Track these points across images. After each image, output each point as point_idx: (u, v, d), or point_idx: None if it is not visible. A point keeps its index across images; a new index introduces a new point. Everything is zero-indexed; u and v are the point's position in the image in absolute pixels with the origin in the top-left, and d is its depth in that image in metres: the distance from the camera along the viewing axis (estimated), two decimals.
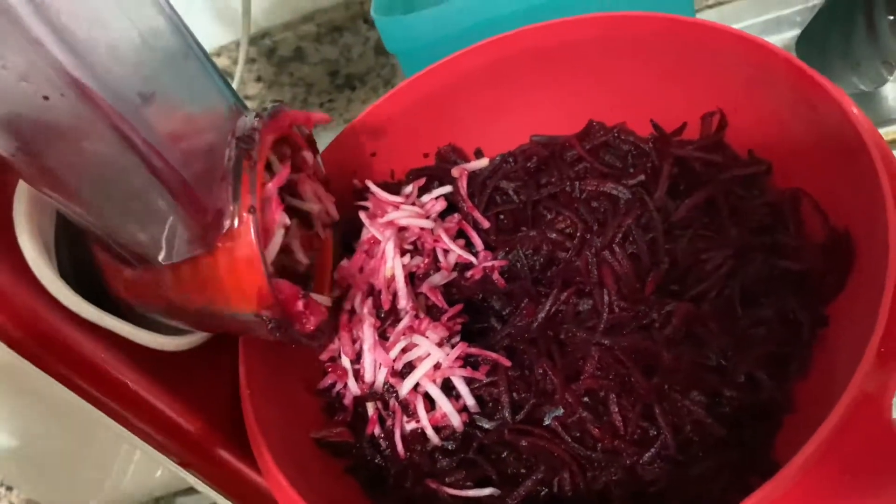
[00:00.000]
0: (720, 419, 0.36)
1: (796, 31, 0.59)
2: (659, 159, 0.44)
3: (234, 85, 0.64)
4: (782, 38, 0.60)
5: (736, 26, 0.62)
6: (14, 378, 0.36)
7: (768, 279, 0.38)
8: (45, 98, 0.26)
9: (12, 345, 0.33)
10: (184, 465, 0.38)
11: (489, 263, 0.43)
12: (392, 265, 0.40)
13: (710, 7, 0.63)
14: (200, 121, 0.33)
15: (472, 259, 0.44)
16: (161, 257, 0.33)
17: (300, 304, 0.34)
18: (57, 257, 0.35)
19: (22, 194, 0.34)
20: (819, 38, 0.53)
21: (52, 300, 0.34)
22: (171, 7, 0.32)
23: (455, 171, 0.47)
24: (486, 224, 0.46)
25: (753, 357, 0.37)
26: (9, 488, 0.60)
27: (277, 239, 0.35)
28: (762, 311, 0.38)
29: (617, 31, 0.44)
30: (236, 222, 0.32)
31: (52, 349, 0.34)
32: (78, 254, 0.36)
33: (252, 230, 0.31)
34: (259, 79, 0.70)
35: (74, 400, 0.35)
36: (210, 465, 0.38)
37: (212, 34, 0.66)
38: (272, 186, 0.34)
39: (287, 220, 0.35)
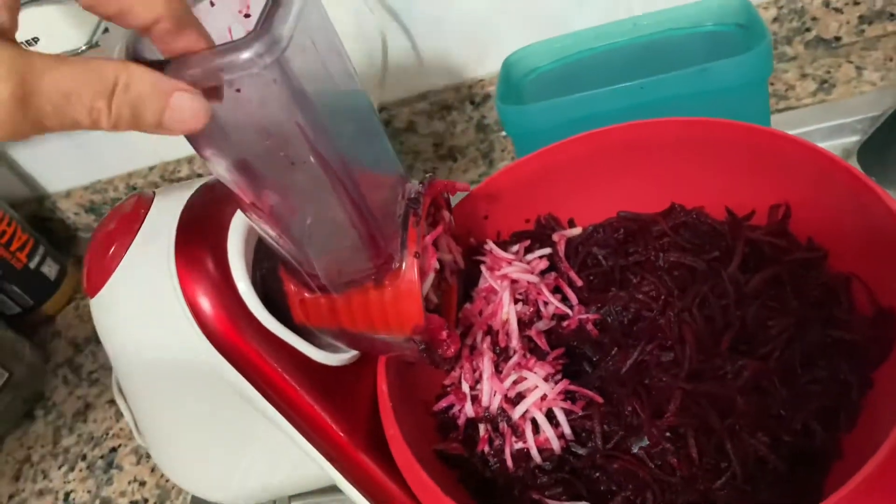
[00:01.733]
0: (782, 459, 0.43)
1: (857, 138, 0.67)
2: (732, 239, 0.52)
3: None
4: (843, 143, 0.69)
5: (801, 130, 0.71)
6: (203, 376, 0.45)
7: (823, 345, 0.46)
8: (292, 164, 0.36)
9: (217, 347, 0.43)
10: (330, 460, 0.46)
11: (585, 316, 0.51)
12: (507, 310, 0.49)
13: (778, 111, 0.72)
14: (382, 183, 0.42)
15: (568, 311, 0.52)
16: (341, 287, 0.42)
17: (444, 334, 0.43)
18: (252, 278, 0.45)
19: (236, 228, 0.44)
20: (880, 148, 0.62)
21: (249, 316, 0.43)
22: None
23: (555, 237, 0.56)
24: (579, 283, 0.54)
25: (809, 409, 0.44)
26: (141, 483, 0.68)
27: (429, 280, 0.44)
28: (818, 372, 0.45)
29: (700, 133, 0.53)
30: (404, 265, 0.41)
31: (243, 353, 0.43)
32: (268, 277, 0.45)
33: (415, 271, 0.40)
34: None
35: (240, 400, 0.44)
36: (350, 464, 0.46)
37: None
38: (429, 239, 0.43)
39: (437, 266, 0.44)
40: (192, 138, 0.34)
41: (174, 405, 0.47)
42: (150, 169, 0.93)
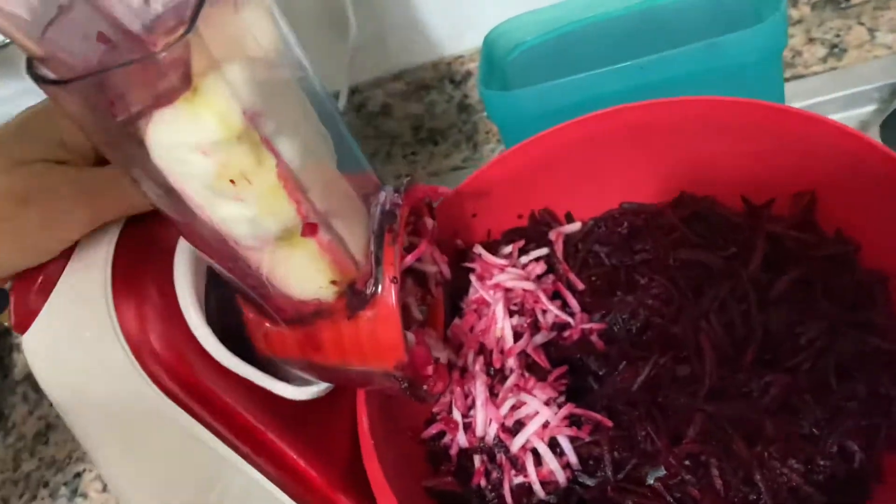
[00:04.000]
0: (817, 487, 0.38)
1: (873, 107, 0.62)
2: (751, 233, 0.46)
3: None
4: (859, 114, 0.63)
5: (812, 101, 0.65)
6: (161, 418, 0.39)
7: (860, 355, 0.41)
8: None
9: (165, 391, 0.37)
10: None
11: (588, 326, 0.46)
12: (501, 325, 0.43)
13: (787, 80, 0.66)
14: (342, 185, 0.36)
15: (570, 320, 0.46)
16: (308, 318, 0.36)
17: (430, 369, 0.37)
18: (206, 308, 0.39)
19: (182, 250, 0.37)
20: None
21: (201, 352, 0.37)
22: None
23: (552, 234, 0.50)
24: (580, 286, 0.49)
25: (845, 428, 0.39)
26: None
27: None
28: (855, 385, 0.40)
29: (709, 114, 0.47)
30: (380, 289, 0.35)
31: (197, 395, 0.37)
32: (224, 305, 0.39)
33: (394, 298, 0.34)
34: None
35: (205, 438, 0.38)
36: None
37: None
38: (409, 259, 0.37)
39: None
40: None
41: (128, 453, 0.41)
42: None
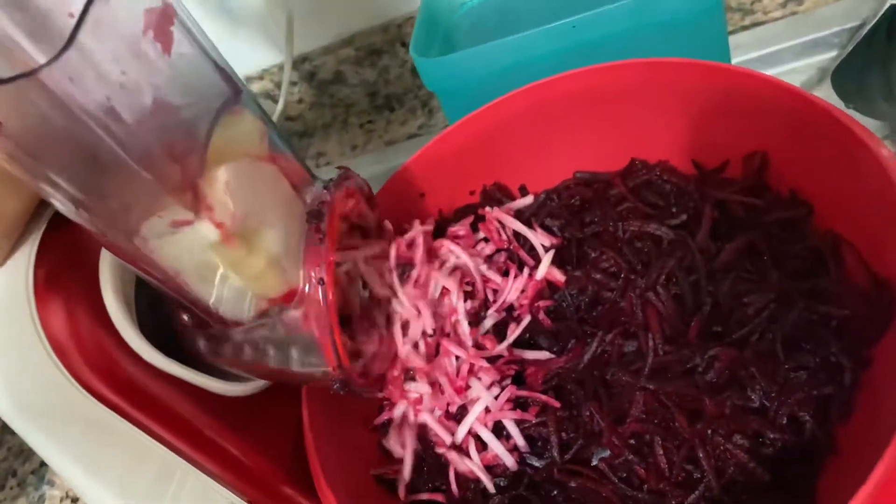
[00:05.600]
0: (764, 462, 0.37)
1: (833, 53, 0.59)
2: (700, 200, 0.45)
3: (279, 107, 0.66)
4: (819, 61, 0.60)
5: (771, 49, 0.62)
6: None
7: (809, 324, 0.40)
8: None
9: (97, 397, 0.36)
10: (252, 499, 0.40)
11: (537, 304, 0.45)
12: (461, 318, 0.42)
13: (745, 28, 0.64)
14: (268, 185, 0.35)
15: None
16: (237, 320, 0.35)
17: (361, 382, 0.36)
18: (137, 310, 0.38)
19: (106, 262, 0.36)
20: (859, 69, 0.54)
21: (131, 353, 0.36)
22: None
23: (498, 212, 0.49)
24: (531, 262, 0.48)
25: (795, 400, 0.38)
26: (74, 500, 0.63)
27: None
28: (803, 356, 0.39)
29: (656, 77, 0.45)
30: (307, 289, 0.34)
31: (131, 399, 0.37)
32: (157, 305, 0.38)
33: (321, 301, 0.33)
34: (300, 101, 0.71)
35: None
36: (275, 501, 0.41)
37: (255, 59, 0.68)
38: (331, 258, 0.36)
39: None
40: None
41: (69, 454, 0.41)
42: None
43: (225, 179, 0.31)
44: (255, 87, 0.70)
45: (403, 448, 0.41)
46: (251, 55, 0.67)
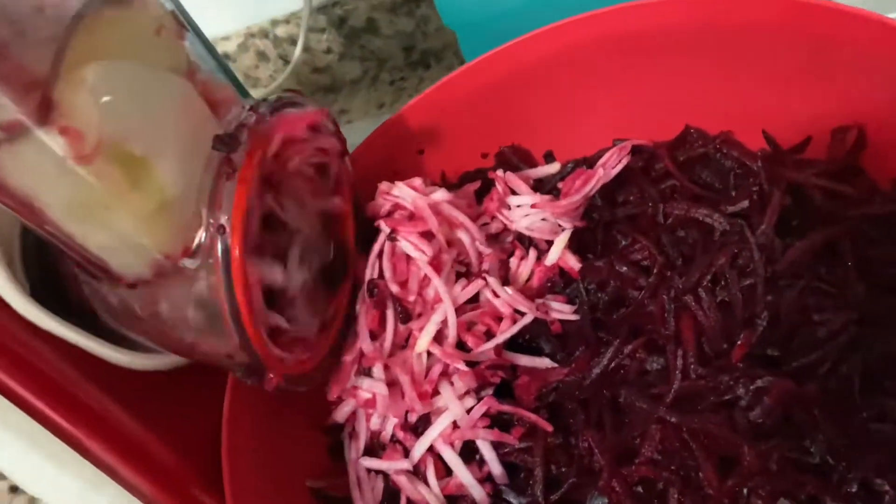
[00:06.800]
0: None
1: None
2: (769, 183, 0.34)
3: (297, 51, 0.59)
4: None
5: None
6: None
7: None
8: None
9: None
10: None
11: (541, 301, 0.35)
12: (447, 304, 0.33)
13: None
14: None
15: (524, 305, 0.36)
16: (126, 275, 0.27)
17: (276, 350, 0.28)
18: (25, 264, 0.31)
19: None
20: None
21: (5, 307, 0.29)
22: None
23: (513, 178, 0.39)
24: (543, 245, 0.38)
25: (873, 462, 0.28)
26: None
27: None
28: (889, 402, 0.28)
29: (727, 17, 0.35)
30: (204, 238, 0.26)
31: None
32: (48, 264, 0.31)
33: (220, 254, 0.25)
34: (328, 50, 0.64)
35: None
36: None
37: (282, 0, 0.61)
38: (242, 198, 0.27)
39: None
40: None
41: None
42: None
43: (92, 81, 0.23)
44: (281, 32, 0.63)
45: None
46: None
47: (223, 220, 0.25)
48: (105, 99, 0.23)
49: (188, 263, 0.26)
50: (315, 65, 0.65)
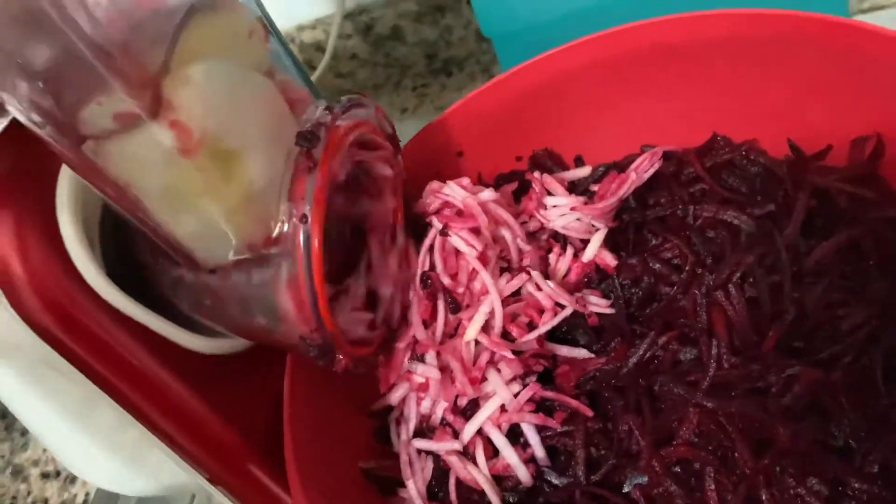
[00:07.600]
0: None
1: None
2: (794, 187, 0.37)
3: (326, 57, 0.61)
4: None
5: None
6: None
7: None
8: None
9: (44, 335, 0.31)
10: (212, 480, 0.34)
11: (579, 294, 0.37)
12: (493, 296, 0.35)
13: (863, 12, 0.54)
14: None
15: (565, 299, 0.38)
16: (208, 261, 0.29)
17: (346, 348, 0.30)
18: (102, 239, 0.32)
19: (65, 180, 0.31)
20: None
21: (89, 290, 0.31)
22: None
23: (547, 180, 0.41)
24: (578, 244, 0.40)
25: (892, 444, 0.30)
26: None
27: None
28: None
29: (754, 31, 0.37)
30: (286, 227, 0.28)
31: (82, 340, 0.31)
32: (125, 248, 0.33)
33: (302, 243, 0.27)
34: (353, 56, 0.66)
35: None
36: (241, 483, 0.35)
37: (310, 6, 0.63)
38: (321, 188, 0.29)
39: None
40: None
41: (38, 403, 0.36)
42: None
43: (197, 79, 0.25)
44: (307, 37, 0.65)
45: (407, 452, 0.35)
46: (306, 1, 0.62)
47: (306, 209, 0.27)
48: (207, 96, 0.25)
49: (270, 251, 0.28)
50: (339, 70, 0.68)
